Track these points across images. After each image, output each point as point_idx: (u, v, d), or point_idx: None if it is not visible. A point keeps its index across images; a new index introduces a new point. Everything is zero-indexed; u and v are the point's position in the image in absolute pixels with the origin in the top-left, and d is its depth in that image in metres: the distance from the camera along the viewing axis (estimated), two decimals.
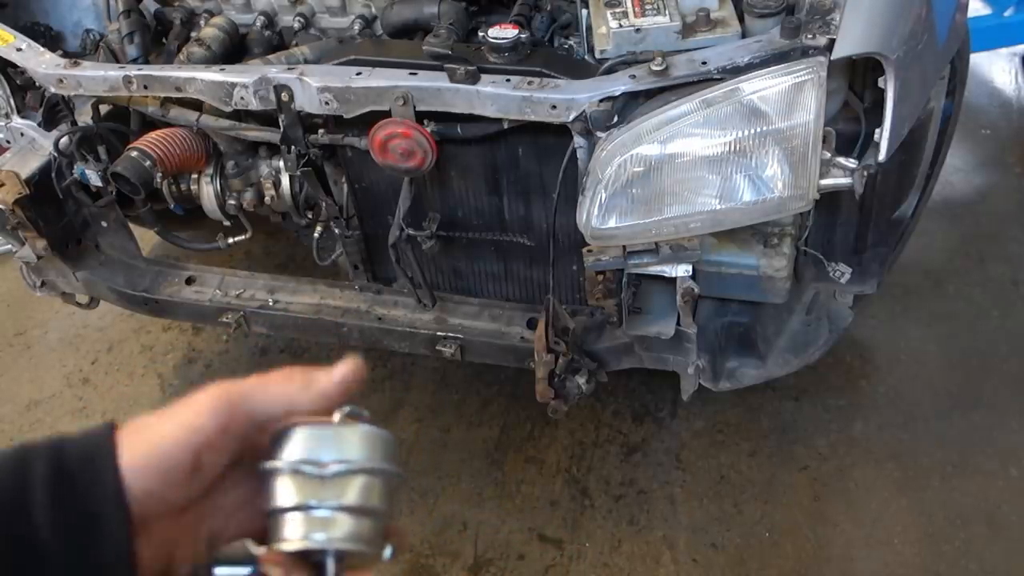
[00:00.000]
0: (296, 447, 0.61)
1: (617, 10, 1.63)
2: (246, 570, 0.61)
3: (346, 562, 0.61)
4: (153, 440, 0.60)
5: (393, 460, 0.63)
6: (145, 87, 1.81)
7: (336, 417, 0.63)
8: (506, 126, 1.67)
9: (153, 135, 1.89)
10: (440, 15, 1.89)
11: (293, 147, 1.82)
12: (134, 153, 1.84)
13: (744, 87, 1.48)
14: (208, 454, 0.61)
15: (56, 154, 1.97)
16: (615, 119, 1.55)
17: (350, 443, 0.61)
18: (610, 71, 1.58)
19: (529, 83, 1.59)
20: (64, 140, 1.95)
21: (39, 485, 0.57)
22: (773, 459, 2.30)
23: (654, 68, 1.51)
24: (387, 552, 0.63)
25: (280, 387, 0.64)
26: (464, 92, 1.61)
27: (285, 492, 0.61)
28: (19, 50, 1.93)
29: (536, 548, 2.18)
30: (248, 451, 0.64)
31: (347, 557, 0.61)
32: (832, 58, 1.46)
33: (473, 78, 1.60)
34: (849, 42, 1.45)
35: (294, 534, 0.60)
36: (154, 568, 0.61)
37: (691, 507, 2.22)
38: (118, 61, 2.04)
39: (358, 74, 1.68)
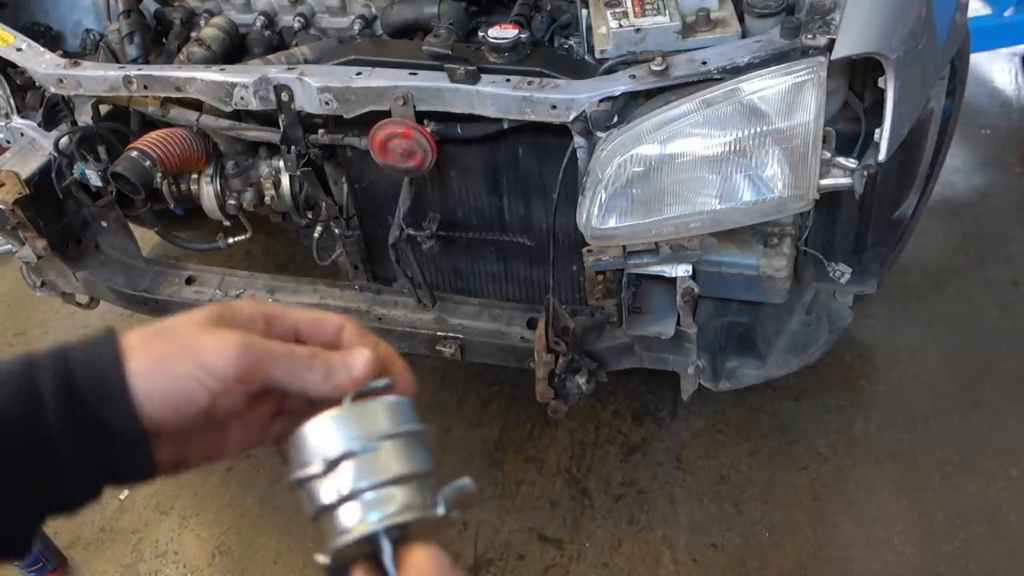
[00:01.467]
0: (313, 445, 0.61)
1: (617, 10, 1.63)
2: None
3: (409, 531, 0.61)
4: (170, 374, 0.60)
5: (410, 421, 0.64)
6: (145, 87, 1.81)
7: (345, 401, 0.64)
8: (506, 126, 1.67)
9: (153, 135, 1.89)
10: (440, 15, 1.89)
11: (293, 147, 1.82)
12: (134, 153, 1.84)
13: (744, 87, 1.48)
14: (223, 398, 0.62)
15: (56, 154, 1.97)
16: (615, 119, 1.55)
17: (362, 422, 0.62)
18: (610, 71, 1.58)
19: (529, 83, 1.59)
20: (64, 140, 1.95)
21: (50, 398, 0.58)
22: (773, 459, 2.30)
23: (654, 68, 1.51)
24: (441, 509, 0.62)
25: (302, 370, 0.64)
26: (464, 92, 1.61)
27: (321, 492, 0.61)
28: (19, 50, 1.93)
29: (536, 548, 2.18)
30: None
31: (405, 528, 0.61)
32: (832, 58, 1.46)
33: (473, 78, 1.60)
34: (849, 42, 1.45)
35: (349, 523, 0.60)
36: (167, 464, 0.64)
37: (691, 507, 2.22)
38: (118, 61, 2.04)
39: (358, 74, 1.68)
